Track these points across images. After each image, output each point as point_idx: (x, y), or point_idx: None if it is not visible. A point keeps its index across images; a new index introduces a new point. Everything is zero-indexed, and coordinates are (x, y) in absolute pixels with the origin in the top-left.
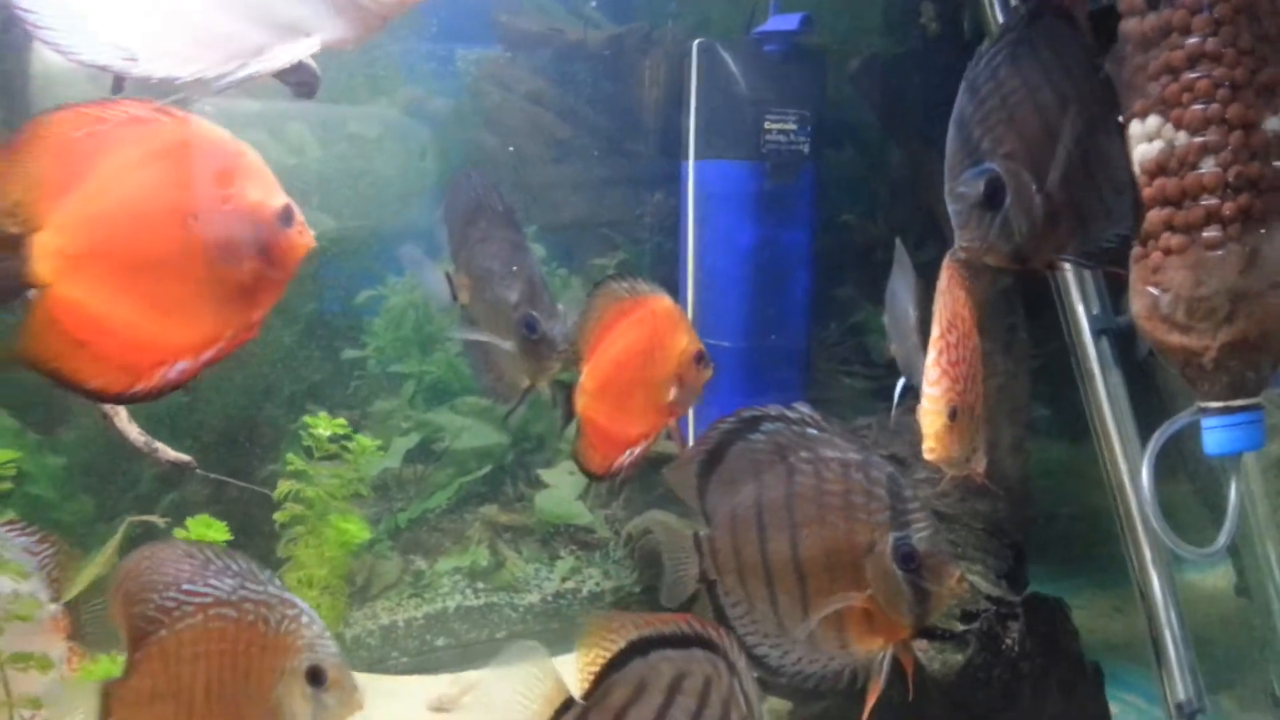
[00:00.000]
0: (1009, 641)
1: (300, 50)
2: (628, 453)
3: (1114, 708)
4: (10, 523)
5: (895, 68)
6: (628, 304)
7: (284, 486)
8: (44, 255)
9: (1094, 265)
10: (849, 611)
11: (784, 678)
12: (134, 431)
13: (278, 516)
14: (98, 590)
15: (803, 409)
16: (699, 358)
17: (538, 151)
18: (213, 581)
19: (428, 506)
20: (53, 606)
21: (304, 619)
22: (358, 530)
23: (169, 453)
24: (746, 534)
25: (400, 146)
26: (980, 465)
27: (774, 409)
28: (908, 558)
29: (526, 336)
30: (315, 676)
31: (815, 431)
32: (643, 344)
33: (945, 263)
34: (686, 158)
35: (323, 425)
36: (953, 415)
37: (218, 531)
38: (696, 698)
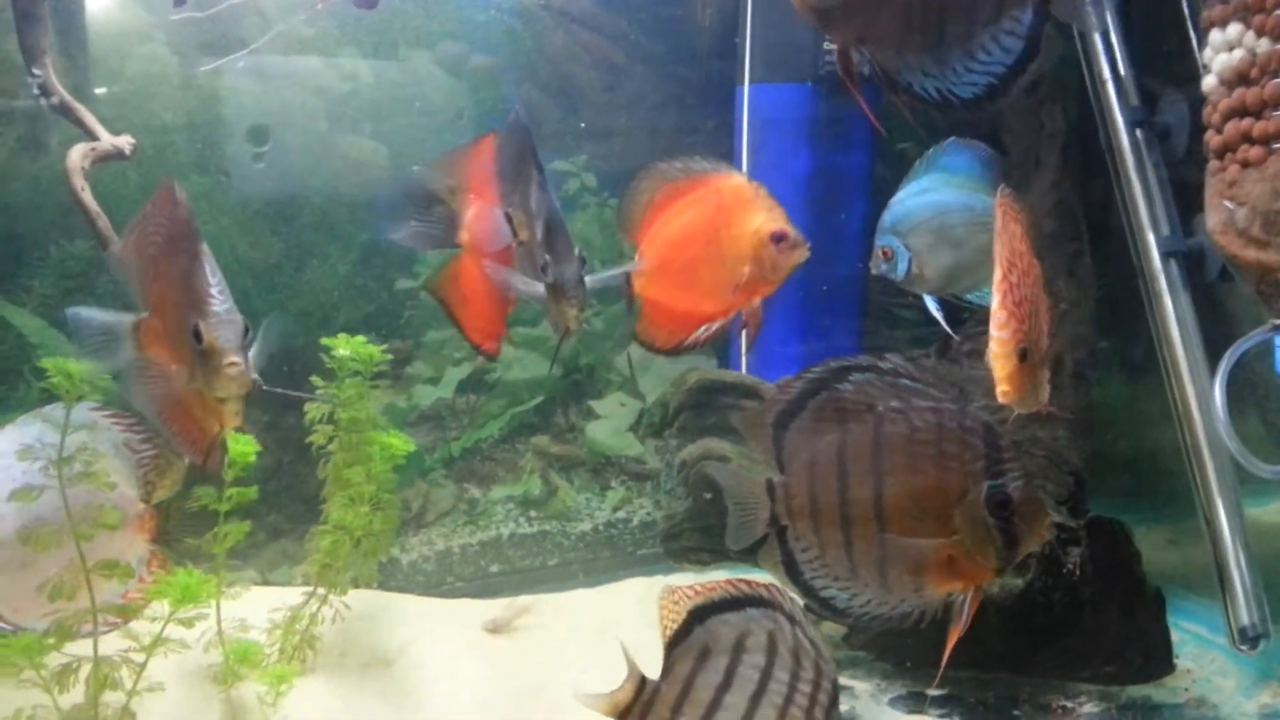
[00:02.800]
0: (1070, 565)
1: None
2: (703, 329)
3: (1174, 636)
4: (121, 416)
5: None
6: (683, 184)
7: (313, 411)
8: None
9: (875, 84)
10: (930, 557)
11: (850, 619)
12: None
13: (312, 439)
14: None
15: (895, 360)
16: (778, 237)
17: (589, 78)
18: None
19: (481, 436)
20: (141, 506)
21: (198, 277)
22: (401, 444)
23: None
24: (826, 480)
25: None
26: (1044, 396)
27: (865, 359)
28: (1002, 505)
29: (542, 279)
30: (196, 334)
31: (908, 382)
32: (704, 223)
33: (998, 201)
34: (741, 82)
35: (342, 345)
36: (1023, 356)
37: (246, 445)
38: (764, 653)
